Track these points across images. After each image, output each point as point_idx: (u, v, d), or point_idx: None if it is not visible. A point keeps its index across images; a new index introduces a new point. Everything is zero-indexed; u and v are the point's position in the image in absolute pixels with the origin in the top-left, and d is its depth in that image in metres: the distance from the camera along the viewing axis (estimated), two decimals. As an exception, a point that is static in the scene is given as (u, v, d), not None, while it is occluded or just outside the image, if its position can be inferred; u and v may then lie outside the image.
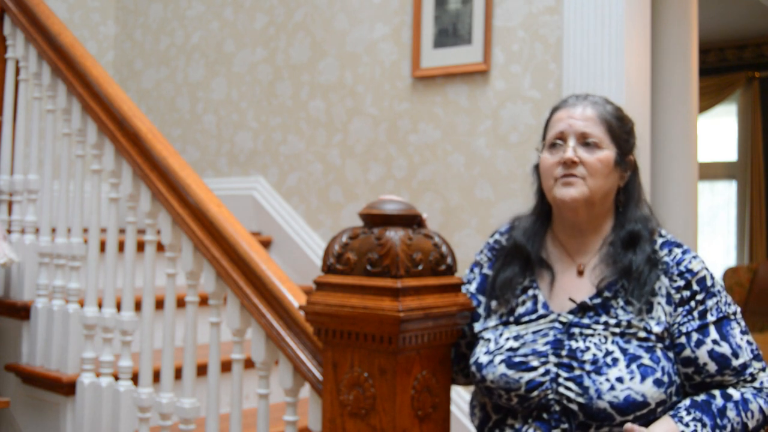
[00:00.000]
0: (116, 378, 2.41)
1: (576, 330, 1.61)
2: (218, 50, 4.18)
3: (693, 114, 3.38)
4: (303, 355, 1.82)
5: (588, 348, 1.57)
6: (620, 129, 1.68)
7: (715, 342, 1.58)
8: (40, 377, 2.58)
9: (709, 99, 7.56)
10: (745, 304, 6.11)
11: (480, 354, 1.66)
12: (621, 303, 1.61)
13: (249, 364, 2.29)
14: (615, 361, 1.54)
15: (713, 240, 7.81)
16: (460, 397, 3.18)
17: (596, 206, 1.66)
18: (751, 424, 1.56)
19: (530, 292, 1.69)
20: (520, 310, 1.68)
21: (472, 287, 1.79)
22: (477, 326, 1.74)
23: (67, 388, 2.51)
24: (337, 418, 1.61)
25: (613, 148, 1.65)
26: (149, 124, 2.36)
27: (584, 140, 1.64)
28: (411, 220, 1.64)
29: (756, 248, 7.41)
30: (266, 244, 3.77)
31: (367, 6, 3.63)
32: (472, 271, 1.83)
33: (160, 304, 2.52)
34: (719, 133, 7.95)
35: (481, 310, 1.75)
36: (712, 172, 7.81)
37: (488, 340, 1.67)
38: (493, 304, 1.72)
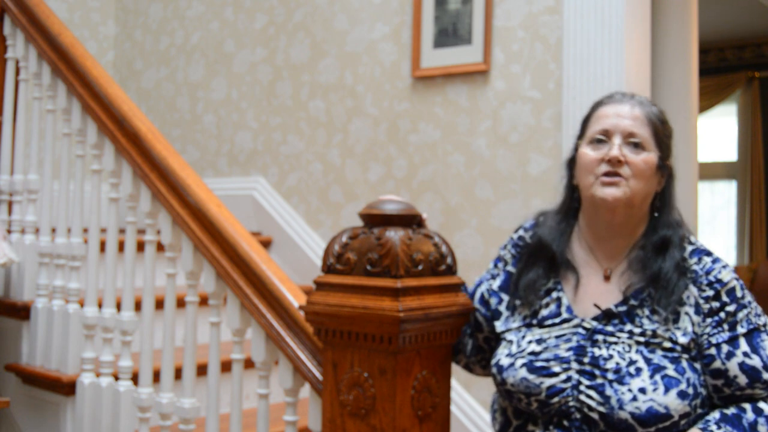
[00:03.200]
0: (116, 378, 2.41)
1: (600, 337, 1.57)
2: (218, 50, 4.18)
3: (693, 114, 3.38)
4: (303, 355, 1.82)
5: (611, 356, 1.54)
6: (664, 133, 1.64)
7: (745, 354, 1.54)
8: (40, 377, 2.58)
9: (709, 99, 7.56)
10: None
11: (501, 356, 1.63)
12: (647, 312, 1.57)
13: (249, 364, 2.29)
14: (638, 371, 1.51)
15: (713, 240, 7.81)
16: (460, 397, 3.18)
17: (634, 209, 1.61)
18: None
19: (554, 295, 1.65)
20: (544, 312, 1.65)
21: (496, 284, 1.75)
22: (499, 325, 1.71)
23: (67, 388, 2.51)
24: (337, 418, 1.61)
25: (656, 151, 1.61)
26: (149, 124, 2.36)
27: (630, 139, 1.59)
28: (411, 220, 1.64)
29: (756, 248, 7.41)
30: (266, 244, 3.77)
31: (367, 6, 3.63)
32: (496, 266, 1.79)
33: (160, 304, 2.52)
34: (719, 133, 7.95)
35: (503, 308, 1.72)
36: (712, 172, 7.81)
37: (510, 342, 1.65)
38: (517, 302, 1.69)
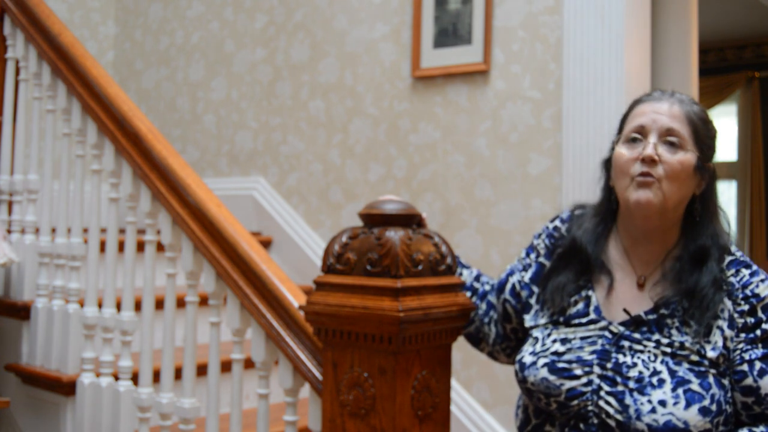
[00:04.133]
0: (116, 378, 2.41)
1: (626, 343, 1.53)
2: (218, 50, 4.18)
3: (693, 114, 3.37)
4: (303, 355, 1.82)
5: (635, 364, 1.50)
6: (705, 132, 1.57)
7: None
8: (40, 377, 2.58)
9: (709, 99, 7.55)
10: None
11: (525, 353, 1.61)
12: (677, 323, 1.52)
13: (249, 364, 2.29)
14: (661, 382, 1.47)
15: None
16: (460, 397, 3.18)
17: (669, 213, 1.54)
18: None
19: (584, 293, 1.61)
20: (571, 310, 1.61)
21: (527, 276, 1.72)
22: (528, 319, 1.68)
23: (67, 388, 2.51)
24: (337, 418, 1.61)
25: (695, 152, 1.53)
26: (149, 124, 2.36)
27: (666, 137, 1.53)
28: (411, 220, 1.64)
29: (756, 248, 7.41)
30: (266, 244, 3.77)
31: (367, 6, 3.63)
32: (528, 255, 1.75)
33: (160, 304, 2.52)
34: (719, 133, 7.95)
35: (533, 301, 1.69)
36: (712, 172, 7.79)
37: (536, 339, 1.62)
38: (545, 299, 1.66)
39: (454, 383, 3.13)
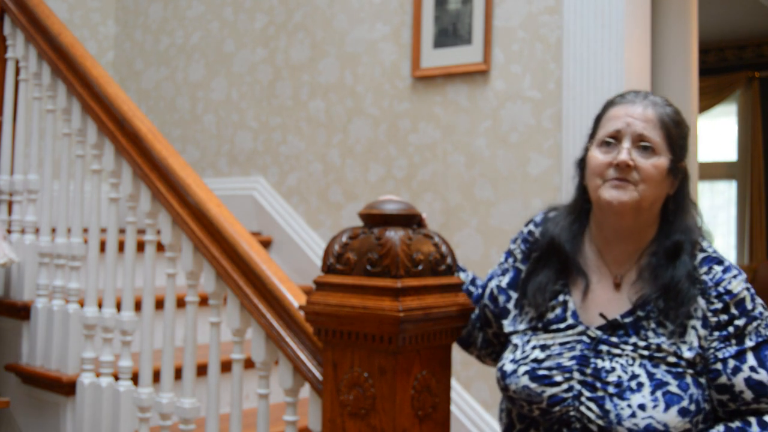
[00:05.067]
0: (116, 378, 2.41)
1: (604, 348, 1.55)
2: (218, 50, 4.18)
3: (693, 114, 3.38)
4: (303, 355, 1.82)
5: (613, 369, 1.52)
6: (677, 134, 1.58)
7: (752, 369, 1.50)
8: (40, 377, 2.58)
9: (709, 99, 7.56)
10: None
11: (506, 361, 1.62)
12: (653, 324, 1.54)
13: (249, 364, 2.29)
14: (640, 386, 1.49)
15: (713, 240, 7.80)
16: (460, 397, 3.18)
17: (643, 213, 1.56)
18: None
19: (561, 298, 1.63)
20: (550, 316, 1.62)
21: (504, 281, 1.73)
22: (507, 324, 1.69)
23: (67, 388, 2.51)
24: (337, 418, 1.61)
25: (668, 155, 1.55)
26: (149, 124, 2.36)
27: (640, 143, 1.54)
28: (411, 220, 1.64)
29: (756, 248, 7.41)
30: (266, 244, 3.77)
31: (367, 6, 3.63)
32: (506, 260, 1.76)
33: (160, 304, 2.52)
34: (719, 133, 7.95)
35: (511, 306, 1.70)
36: (712, 172, 7.81)
37: (516, 346, 1.63)
38: (525, 302, 1.67)
39: (454, 383, 3.13)
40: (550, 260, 1.65)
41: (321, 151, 3.74)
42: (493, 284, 1.76)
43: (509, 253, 1.77)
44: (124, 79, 4.56)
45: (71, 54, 2.60)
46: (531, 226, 1.75)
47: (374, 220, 1.62)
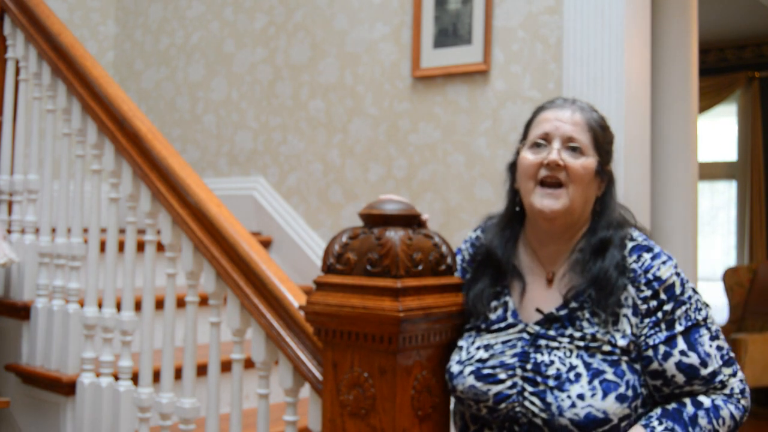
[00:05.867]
0: (116, 378, 2.41)
1: (542, 342, 1.59)
2: (218, 50, 4.18)
3: (693, 114, 3.38)
4: (303, 355, 1.82)
5: (552, 362, 1.56)
6: (604, 139, 1.66)
7: (682, 353, 1.55)
8: (40, 377, 2.58)
9: (709, 99, 7.55)
10: (745, 304, 6.10)
11: (453, 363, 1.66)
12: (587, 315, 1.58)
13: (249, 364, 2.29)
14: (578, 376, 1.53)
15: (713, 240, 7.81)
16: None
17: (574, 216, 1.63)
18: (722, 431, 1.55)
19: (501, 299, 1.68)
20: (492, 317, 1.67)
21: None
22: None
23: (67, 388, 2.51)
24: (337, 418, 1.61)
25: (596, 157, 1.63)
26: (149, 124, 2.36)
27: (569, 144, 1.62)
28: (411, 220, 1.64)
29: (756, 248, 7.41)
30: (266, 244, 3.77)
31: (367, 6, 3.63)
32: (462, 261, 1.82)
33: (160, 304, 2.51)
34: (719, 133, 7.95)
35: None
36: (712, 172, 7.81)
37: (461, 348, 1.67)
38: (466, 309, 1.71)
39: (454, 383, 3.13)
40: (486, 268, 1.71)
41: (321, 151, 3.74)
42: None
43: (459, 251, 1.83)
44: (124, 79, 4.56)
45: (71, 54, 2.60)
46: (478, 232, 1.82)
47: (374, 220, 1.62)
